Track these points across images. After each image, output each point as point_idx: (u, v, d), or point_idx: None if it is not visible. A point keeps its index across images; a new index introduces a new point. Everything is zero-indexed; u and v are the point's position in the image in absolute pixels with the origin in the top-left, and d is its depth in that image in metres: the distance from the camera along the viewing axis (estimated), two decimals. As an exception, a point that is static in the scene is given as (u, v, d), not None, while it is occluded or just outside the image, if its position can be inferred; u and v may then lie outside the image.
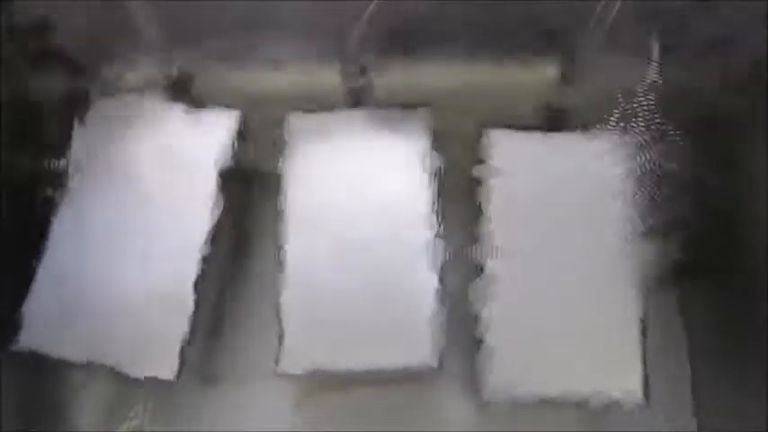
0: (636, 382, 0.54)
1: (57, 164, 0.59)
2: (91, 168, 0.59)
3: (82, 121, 0.61)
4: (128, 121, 0.61)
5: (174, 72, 0.64)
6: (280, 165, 0.61)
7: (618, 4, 0.58)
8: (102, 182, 0.59)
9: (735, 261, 0.59)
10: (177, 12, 0.63)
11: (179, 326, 0.54)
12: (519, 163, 0.60)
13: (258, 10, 0.63)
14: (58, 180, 0.59)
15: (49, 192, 0.58)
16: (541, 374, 0.55)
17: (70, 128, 0.60)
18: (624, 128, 0.61)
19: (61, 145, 0.59)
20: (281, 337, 0.55)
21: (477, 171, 0.60)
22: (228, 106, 0.62)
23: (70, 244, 0.57)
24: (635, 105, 0.65)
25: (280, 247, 0.58)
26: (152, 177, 0.59)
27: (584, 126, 0.61)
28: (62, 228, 0.58)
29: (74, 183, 0.59)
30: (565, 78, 0.64)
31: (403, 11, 0.61)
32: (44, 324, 0.55)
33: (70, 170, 0.59)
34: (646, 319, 0.55)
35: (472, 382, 0.55)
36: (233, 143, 0.61)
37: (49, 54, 0.63)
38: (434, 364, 0.54)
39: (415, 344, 0.55)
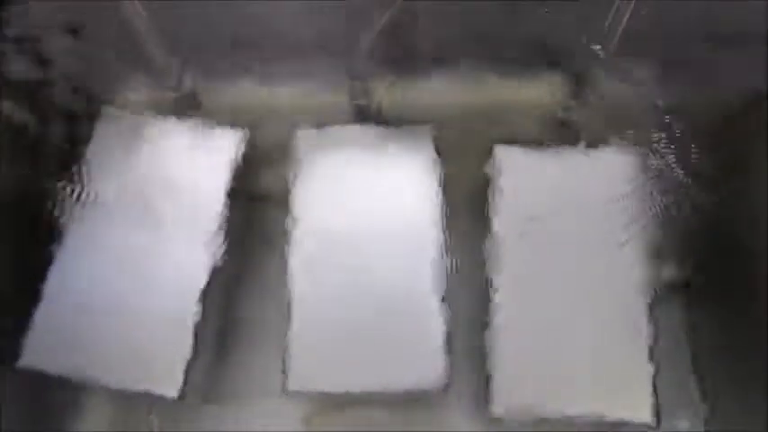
0: (645, 402, 0.53)
1: (67, 180, 0.59)
2: (100, 185, 0.60)
3: (92, 138, 0.61)
4: (136, 138, 0.61)
5: (183, 90, 0.65)
6: (287, 181, 0.61)
7: (624, 23, 0.58)
8: (110, 199, 0.59)
9: (740, 279, 0.59)
10: (186, 30, 0.63)
11: (184, 345, 0.54)
12: (526, 178, 0.60)
13: (268, 30, 0.64)
14: (68, 198, 0.59)
15: (59, 209, 0.59)
16: (552, 394, 0.54)
17: (80, 145, 0.60)
18: (631, 144, 0.61)
19: (71, 162, 0.60)
20: (288, 356, 0.55)
21: (483, 186, 0.60)
22: (236, 123, 0.62)
23: (77, 262, 0.57)
24: (641, 122, 0.65)
25: (287, 264, 0.57)
26: (160, 195, 0.59)
27: (591, 142, 0.61)
28: (70, 246, 0.58)
29: (83, 201, 0.59)
30: (572, 95, 0.65)
31: (409, 30, 0.61)
32: (49, 342, 0.55)
33: (79, 187, 0.59)
34: (655, 339, 0.55)
35: (480, 401, 0.55)
36: (240, 160, 0.61)
37: (58, 74, 0.63)
38: (442, 384, 0.54)
39: (424, 365, 0.54)
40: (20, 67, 0.59)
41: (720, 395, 0.60)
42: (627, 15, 0.59)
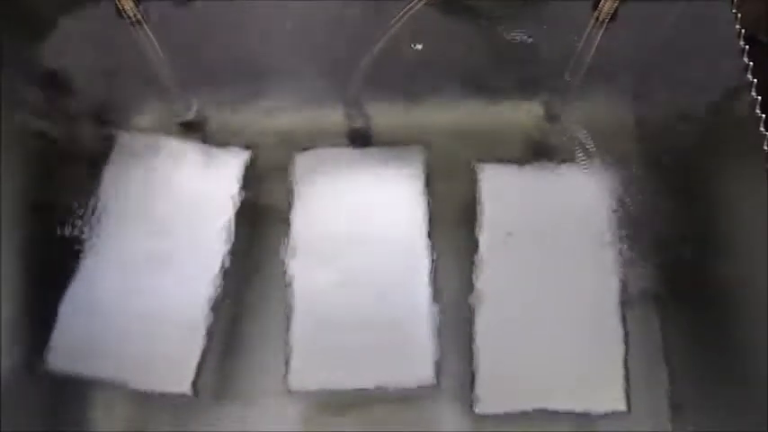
0: (618, 394, 0.57)
1: (87, 196, 0.63)
2: (115, 203, 0.64)
3: (108, 158, 0.65)
4: (148, 159, 0.66)
5: (191, 115, 0.69)
6: (287, 199, 0.65)
7: (592, 51, 0.63)
8: (125, 216, 0.63)
9: (711, 283, 0.62)
10: (194, 60, 0.68)
11: (195, 345, 0.58)
12: (508, 194, 0.65)
13: (269, 58, 0.69)
14: (86, 214, 0.63)
15: (80, 223, 0.62)
16: (531, 389, 0.58)
17: (99, 165, 0.65)
18: (604, 161, 0.66)
19: (90, 180, 0.64)
20: (289, 357, 0.59)
21: (469, 202, 0.65)
22: (241, 145, 0.67)
23: (96, 272, 0.61)
24: (613, 140, 0.69)
25: (287, 274, 0.62)
26: (172, 210, 0.63)
27: (568, 160, 0.66)
28: (89, 257, 0.62)
29: (100, 217, 0.63)
30: (548, 117, 0.69)
31: (398, 58, 0.66)
32: (71, 346, 0.58)
33: (97, 204, 0.63)
34: (627, 338, 0.59)
35: (467, 397, 0.58)
36: (244, 179, 0.65)
37: (74, 99, 0.68)
38: (432, 381, 0.58)
39: (414, 363, 0.58)
40: (45, 95, 0.64)
41: (688, 393, 0.63)
42: (595, 43, 0.64)
